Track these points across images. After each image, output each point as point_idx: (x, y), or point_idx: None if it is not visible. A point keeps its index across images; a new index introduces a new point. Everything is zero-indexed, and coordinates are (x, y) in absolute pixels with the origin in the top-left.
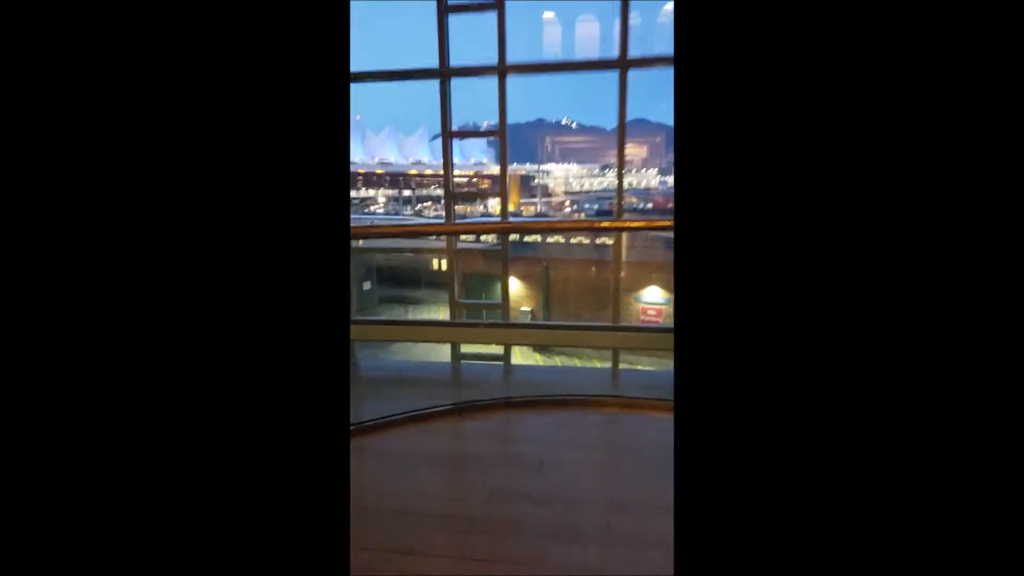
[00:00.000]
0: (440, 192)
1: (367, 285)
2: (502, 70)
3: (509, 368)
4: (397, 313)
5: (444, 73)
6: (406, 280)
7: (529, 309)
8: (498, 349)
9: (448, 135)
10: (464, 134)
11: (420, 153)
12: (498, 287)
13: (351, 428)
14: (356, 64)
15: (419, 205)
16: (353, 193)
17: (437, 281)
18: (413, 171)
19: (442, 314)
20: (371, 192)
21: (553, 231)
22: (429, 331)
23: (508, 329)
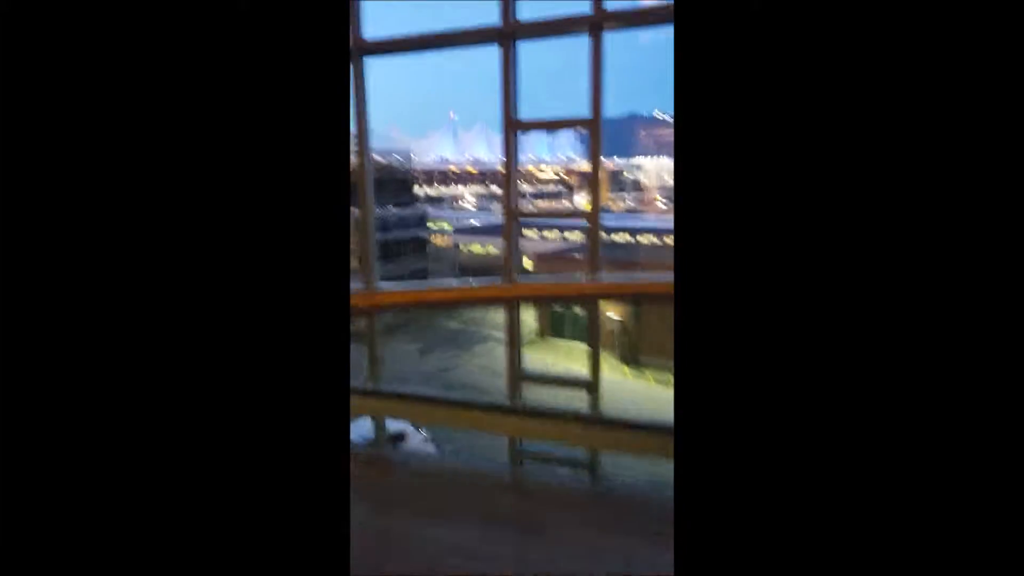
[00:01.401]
0: (529, 188)
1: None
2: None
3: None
4: (478, 315)
5: (506, 34)
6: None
7: (619, 318)
8: (579, 363)
9: (513, 126)
10: (544, 124)
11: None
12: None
13: None
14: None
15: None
16: (444, 190)
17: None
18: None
19: (525, 315)
20: (460, 189)
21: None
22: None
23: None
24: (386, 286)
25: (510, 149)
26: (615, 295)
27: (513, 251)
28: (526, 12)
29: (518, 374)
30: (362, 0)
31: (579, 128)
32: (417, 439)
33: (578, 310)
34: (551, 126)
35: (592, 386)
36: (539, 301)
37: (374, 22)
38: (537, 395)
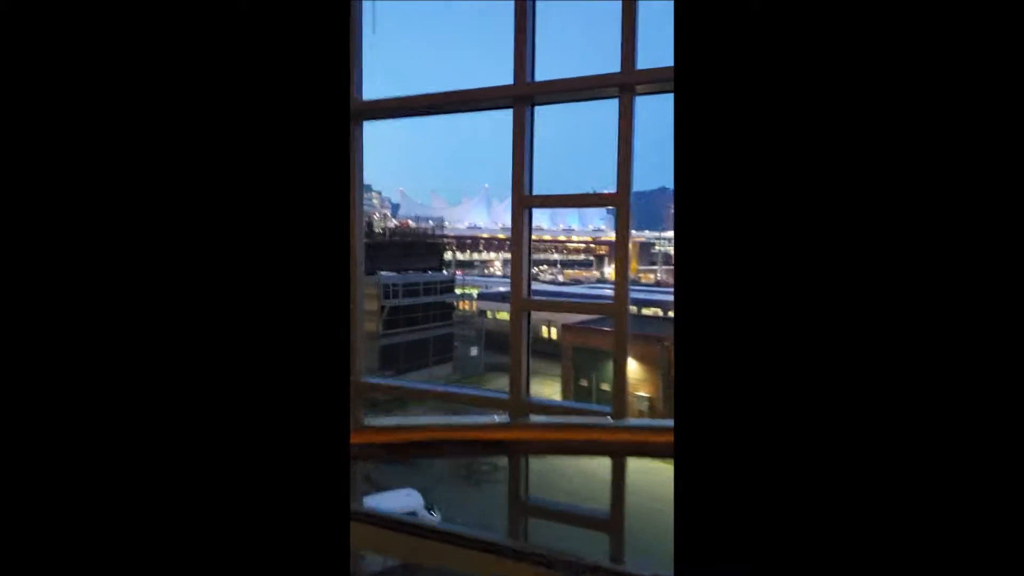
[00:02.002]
0: (557, 256)
1: (474, 351)
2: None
3: None
4: (502, 384)
5: (521, 97)
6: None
7: (647, 395)
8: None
9: (524, 202)
10: (562, 201)
11: (540, 219)
12: (610, 366)
13: None
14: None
15: (535, 268)
16: (476, 256)
17: (547, 351)
18: (532, 236)
19: (548, 389)
20: (491, 255)
21: None
22: None
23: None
24: (374, 381)
25: (518, 227)
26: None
27: (523, 370)
28: (547, 73)
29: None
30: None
31: (607, 207)
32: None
33: (607, 386)
34: (570, 203)
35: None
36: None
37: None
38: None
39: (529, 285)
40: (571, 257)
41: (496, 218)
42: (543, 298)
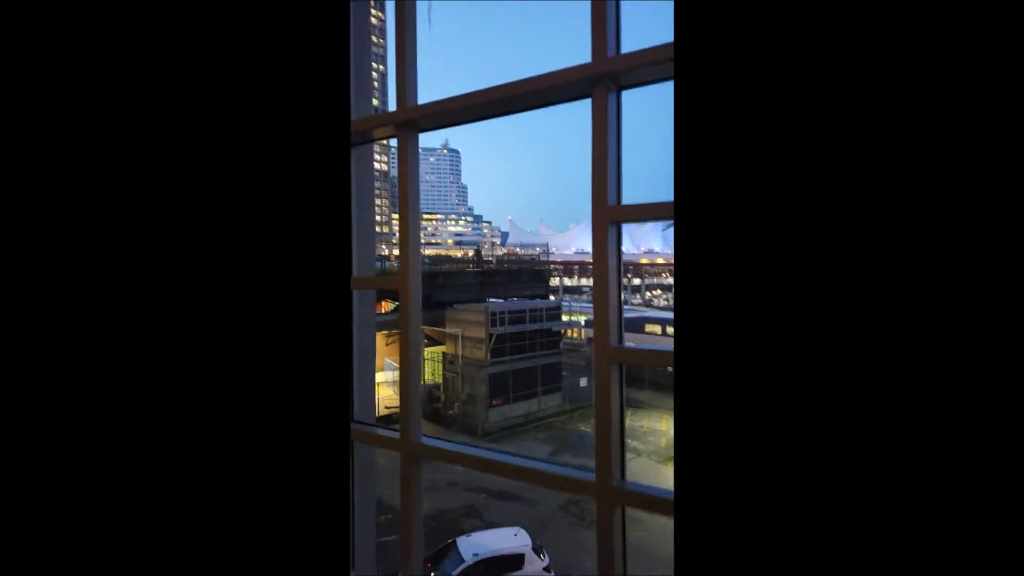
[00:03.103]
0: (670, 280)
1: (583, 381)
2: None
3: None
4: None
5: (601, 76)
6: (629, 377)
7: None
8: None
9: (609, 213)
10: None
11: (652, 242)
12: None
13: None
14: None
15: (648, 294)
16: (584, 282)
17: (661, 381)
18: (644, 260)
19: (664, 424)
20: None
21: None
22: None
23: None
24: (429, 443)
25: (601, 248)
26: None
27: (613, 441)
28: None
29: None
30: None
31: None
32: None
33: None
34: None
35: None
36: None
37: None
38: None
39: (620, 328)
40: (659, 281)
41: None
42: (643, 346)
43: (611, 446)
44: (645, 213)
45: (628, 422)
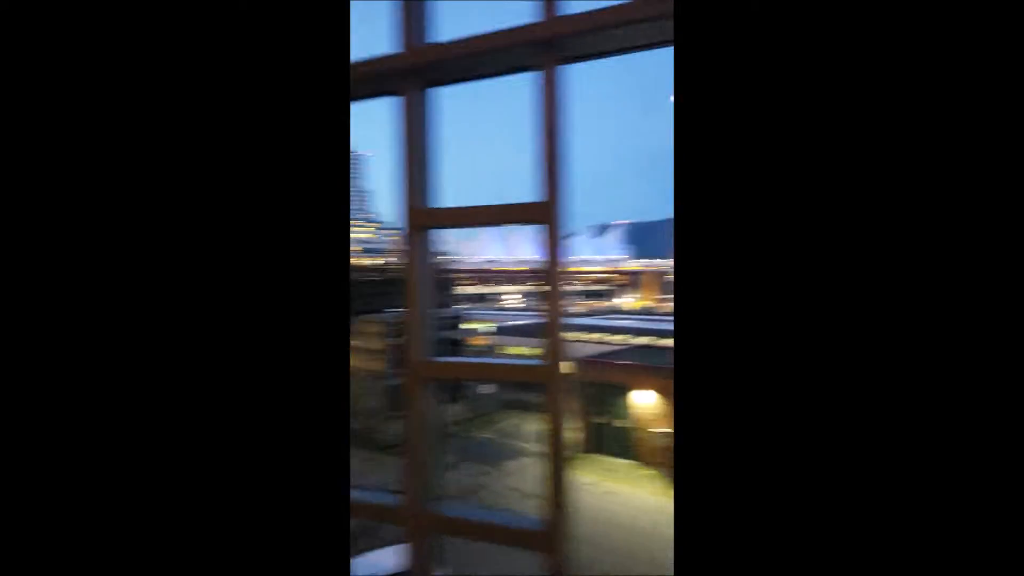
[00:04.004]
0: (579, 287)
1: (487, 387)
2: None
3: None
4: (512, 424)
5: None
6: (532, 384)
7: (669, 431)
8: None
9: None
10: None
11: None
12: (626, 400)
13: None
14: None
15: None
16: (487, 290)
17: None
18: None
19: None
20: (509, 288)
21: None
22: None
23: None
24: None
25: (415, 252)
26: None
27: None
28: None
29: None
30: None
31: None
32: None
33: (623, 423)
34: (479, 217)
35: None
36: None
37: None
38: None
39: (432, 340)
40: (587, 288)
41: (511, 249)
42: (456, 358)
43: (422, 468)
44: (453, 217)
45: (525, 426)
